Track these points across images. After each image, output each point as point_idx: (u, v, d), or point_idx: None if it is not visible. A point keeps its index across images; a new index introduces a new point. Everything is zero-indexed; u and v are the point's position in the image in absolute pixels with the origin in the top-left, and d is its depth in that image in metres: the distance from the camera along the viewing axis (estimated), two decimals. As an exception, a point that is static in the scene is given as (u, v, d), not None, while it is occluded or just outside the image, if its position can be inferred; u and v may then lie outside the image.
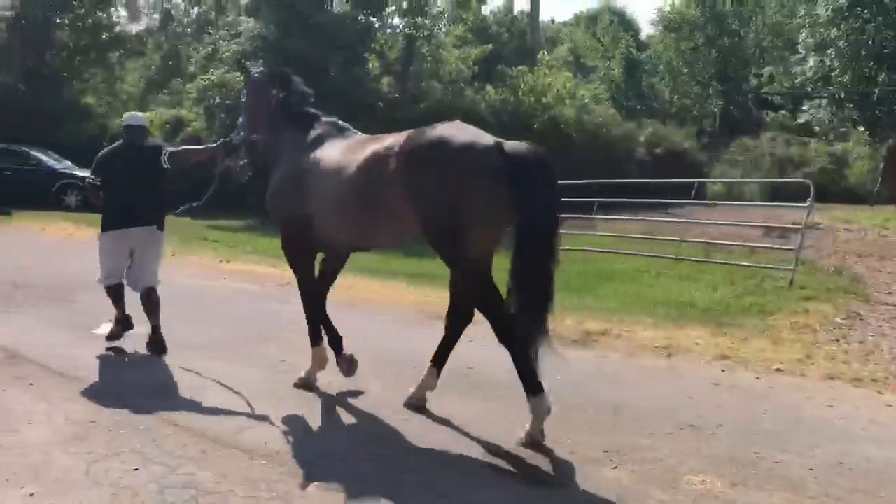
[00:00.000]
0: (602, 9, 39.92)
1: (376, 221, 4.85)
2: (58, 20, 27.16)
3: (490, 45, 25.11)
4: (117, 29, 28.79)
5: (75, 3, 26.83)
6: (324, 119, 5.60)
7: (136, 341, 6.61)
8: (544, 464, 4.26)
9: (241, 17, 20.07)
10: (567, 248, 13.42)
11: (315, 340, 5.60)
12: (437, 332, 7.21)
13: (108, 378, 5.59)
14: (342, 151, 5.08)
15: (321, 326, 5.66)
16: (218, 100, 18.54)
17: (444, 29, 23.08)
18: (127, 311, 6.67)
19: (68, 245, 12.59)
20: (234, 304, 8.36)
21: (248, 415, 4.91)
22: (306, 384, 5.51)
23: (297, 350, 6.48)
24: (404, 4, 21.15)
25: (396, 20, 22.20)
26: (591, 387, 5.68)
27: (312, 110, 5.70)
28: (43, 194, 18.59)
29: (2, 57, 27.38)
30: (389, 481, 3.95)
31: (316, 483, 3.91)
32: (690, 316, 8.34)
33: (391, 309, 8.41)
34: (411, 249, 13.25)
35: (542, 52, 25.21)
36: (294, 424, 4.76)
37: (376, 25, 21.40)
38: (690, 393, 5.59)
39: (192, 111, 21.71)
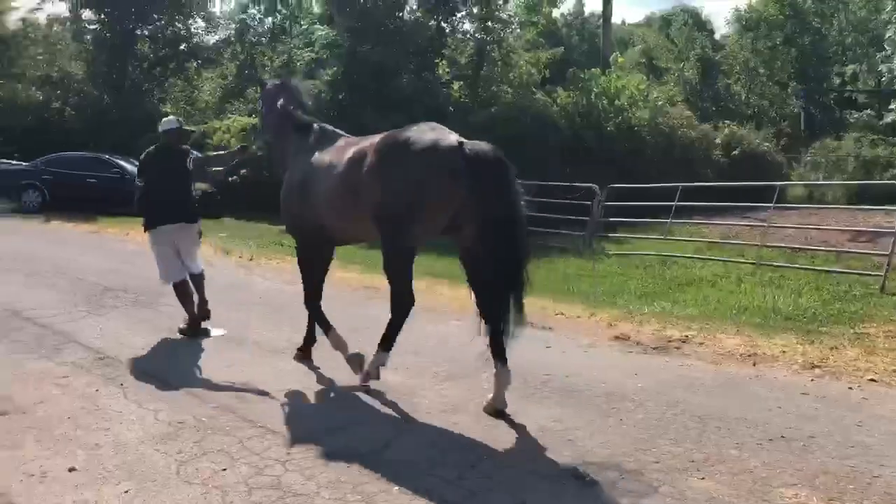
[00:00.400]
0: (676, 9, 39.18)
1: (364, 214, 5.26)
2: (139, 32, 28.13)
3: (561, 49, 24.99)
4: (195, 40, 29.66)
5: (155, 16, 27.74)
6: (318, 126, 6.16)
7: (215, 342, 6.76)
8: (628, 472, 4.16)
9: (315, 26, 20.44)
10: (643, 252, 13.21)
11: (326, 330, 6.05)
12: (516, 338, 7.21)
13: (193, 380, 5.71)
14: (334, 153, 5.63)
15: (321, 314, 6.15)
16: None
17: (514, 33, 22.99)
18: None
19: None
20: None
21: (331, 417, 4.95)
22: (355, 364, 5.72)
23: (372, 353, 6.53)
24: (475, 9, 21.19)
25: (467, 25, 22.26)
26: (675, 395, 5.53)
27: (308, 118, 6.30)
28: (125, 201, 19.22)
29: (87, 69, 28.55)
30: (471, 488, 3.92)
31: (399, 487, 3.91)
32: (775, 323, 8.08)
33: (467, 315, 8.36)
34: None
35: (614, 53, 24.87)
36: (376, 428, 4.78)
37: (447, 31, 21.49)
38: (779, 402, 5.39)
39: (267, 119, 22.18)
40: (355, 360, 5.72)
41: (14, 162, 22.85)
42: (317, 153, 5.78)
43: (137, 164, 7.25)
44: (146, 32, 28.27)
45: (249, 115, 25.08)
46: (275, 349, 6.67)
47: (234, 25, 33.72)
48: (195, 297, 7.24)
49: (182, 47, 28.95)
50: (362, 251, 13.26)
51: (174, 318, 7.74)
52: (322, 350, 6.56)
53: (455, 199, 4.84)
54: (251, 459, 4.23)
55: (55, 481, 3.94)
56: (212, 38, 31.37)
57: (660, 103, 23.28)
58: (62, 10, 28.46)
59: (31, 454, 4.27)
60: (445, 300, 9.08)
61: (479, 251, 4.95)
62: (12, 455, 4.26)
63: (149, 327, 7.39)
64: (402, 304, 5.36)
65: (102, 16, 27.31)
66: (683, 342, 7.07)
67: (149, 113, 27.23)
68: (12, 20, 31.05)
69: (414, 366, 6.21)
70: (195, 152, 7.26)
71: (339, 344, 5.93)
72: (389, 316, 5.34)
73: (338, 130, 6.10)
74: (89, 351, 6.43)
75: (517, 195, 4.91)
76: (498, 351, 5.09)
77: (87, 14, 27.70)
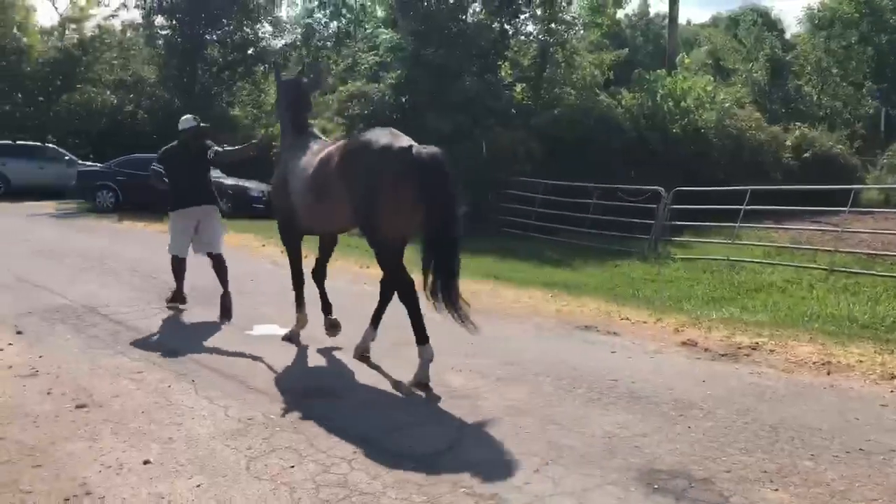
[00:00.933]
0: (744, 9, 38.27)
1: (332, 209, 6.07)
2: (208, 37, 28.83)
3: (625, 50, 24.66)
4: (262, 44, 30.24)
5: (224, 21, 28.39)
6: (309, 130, 6.98)
7: (280, 342, 6.87)
8: (697, 481, 4.08)
9: (380, 29, 20.61)
10: (710, 257, 12.94)
11: (298, 307, 7.03)
12: (581, 342, 7.15)
13: (261, 377, 5.82)
14: (309, 155, 6.39)
15: (303, 294, 7.09)
16: (357, 110, 19.10)
17: (578, 34, 22.80)
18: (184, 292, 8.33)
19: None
20: (374, 308, 8.51)
21: (394, 417, 4.98)
22: (290, 339, 6.92)
23: (438, 355, 6.53)
24: (539, 11, 21.09)
25: (531, 27, 22.17)
26: (745, 403, 5.40)
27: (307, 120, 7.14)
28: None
29: (159, 73, 29.41)
30: (537, 493, 3.89)
31: (464, 489, 3.91)
32: (850, 331, 7.81)
33: (530, 317, 8.33)
34: (546, 258, 13.19)
35: (680, 54, 24.44)
36: (440, 429, 4.79)
37: (510, 33, 21.44)
38: (856, 414, 5.21)
39: (333, 122, 22.49)
40: (293, 336, 6.92)
41: (89, 163, 23.70)
42: (298, 154, 6.54)
43: (159, 153, 8.47)
44: (215, 37, 28.92)
45: (314, 119, 25.51)
46: (338, 347, 6.74)
47: (299, 30, 34.32)
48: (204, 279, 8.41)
49: (250, 51, 29.53)
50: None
51: (244, 315, 7.92)
52: (383, 349, 6.62)
53: (406, 193, 5.50)
54: (318, 457, 4.29)
55: (131, 473, 4.06)
56: (278, 43, 31.97)
57: (727, 105, 22.77)
58: (136, 16, 29.39)
59: (108, 446, 4.41)
60: (507, 303, 9.05)
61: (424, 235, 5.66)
62: (91, 446, 4.40)
63: (218, 325, 7.55)
64: (400, 289, 5.91)
65: (174, 22, 28.09)
66: (753, 349, 6.90)
67: (217, 116, 27.86)
68: (89, 27, 32.26)
69: (476, 368, 6.21)
70: (215, 146, 8.15)
71: (301, 323, 7.01)
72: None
73: (319, 135, 7.01)
74: (162, 347, 6.60)
75: (454, 189, 5.65)
76: (420, 331, 5.77)
77: (159, 20, 28.53)
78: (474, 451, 4.43)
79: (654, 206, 14.34)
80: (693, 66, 27.52)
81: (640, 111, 20.09)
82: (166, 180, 8.18)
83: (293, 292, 7.09)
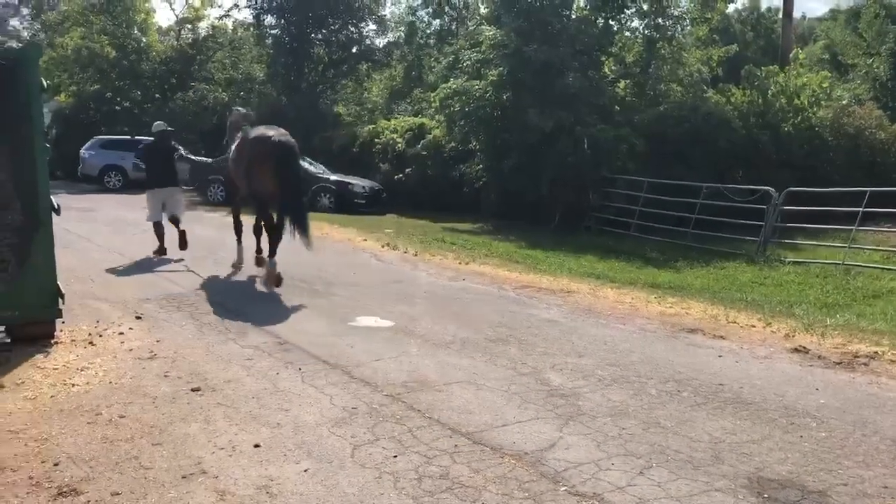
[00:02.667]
0: (867, 1, 36.29)
1: (243, 177, 9.49)
2: (314, 36, 29.58)
3: (734, 46, 23.78)
4: (366, 42, 30.81)
5: (330, 21, 29.06)
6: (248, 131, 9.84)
7: (384, 334, 6.99)
8: (811, 493, 3.91)
9: (482, 27, 20.56)
10: (824, 261, 12.38)
11: (237, 242, 10.58)
12: (686, 345, 6.98)
13: (365, 367, 5.93)
14: (234, 147, 9.93)
15: (241, 237, 10.54)
16: (458, 107, 19.17)
17: (685, 30, 22.13)
18: (165, 246, 11.19)
19: (324, 244, 13.61)
20: (475, 305, 8.58)
21: (495, 413, 4.99)
22: (235, 267, 10.22)
23: (539, 353, 6.53)
24: (644, 6, 20.60)
25: (636, 22, 21.69)
26: (863, 414, 5.14)
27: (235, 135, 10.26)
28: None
29: (267, 71, 30.40)
30: (641, 495, 3.83)
31: (566, 488, 3.89)
32: (981, 343, 7.30)
33: (633, 319, 8.18)
34: (649, 258, 12.91)
35: (795, 49, 23.39)
36: (542, 427, 4.76)
37: (615, 28, 21.03)
38: None
39: (434, 119, 22.67)
40: (236, 266, 10.21)
41: (201, 158, 24.73)
42: (232, 148, 10.02)
43: (141, 151, 13.05)
44: (321, 36, 29.65)
45: (415, 115, 25.80)
46: (440, 342, 6.80)
47: (402, 28, 34.76)
48: (175, 236, 11.48)
49: (354, 50, 30.14)
50: (523, 251, 13.29)
51: (346, 307, 8.12)
52: (484, 345, 6.65)
53: (268, 165, 8.87)
54: (420, 449, 4.34)
55: (242, 455, 4.22)
56: (382, 41, 32.50)
57: (844, 102, 21.66)
58: (247, 16, 30.47)
59: (221, 428, 4.60)
60: (610, 303, 8.91)
61: (278, 196, 9.00)
62: (205, 428, 4.60)
63: (323, 315, 7.75)
64: (266, 226, 9.40)
65: (283, 21, 28.95)
66: (871, 358, 6.55)
67: (322, 113, 28.62)
68: (203, 27, 33.68)
69: (578, 367, 6.14)
70: (180, 148, 12.42)
71: (239, 257, 10.41)
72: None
73: (248, 133, 9.74)
74: (270, 336, 6.83)
75: (297, 164, 9.51)
76: (273, 252, 9.14)
77: (268, 20, 29.47)
78: (576, 451, 4.39)
79: (764, 206, 13.81)
80: (808, 62, 26.28)
81: (750, 109, 19.31)
82: (143, 167, 12.30)
83: (234, 237, 10.65)
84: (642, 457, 4.32)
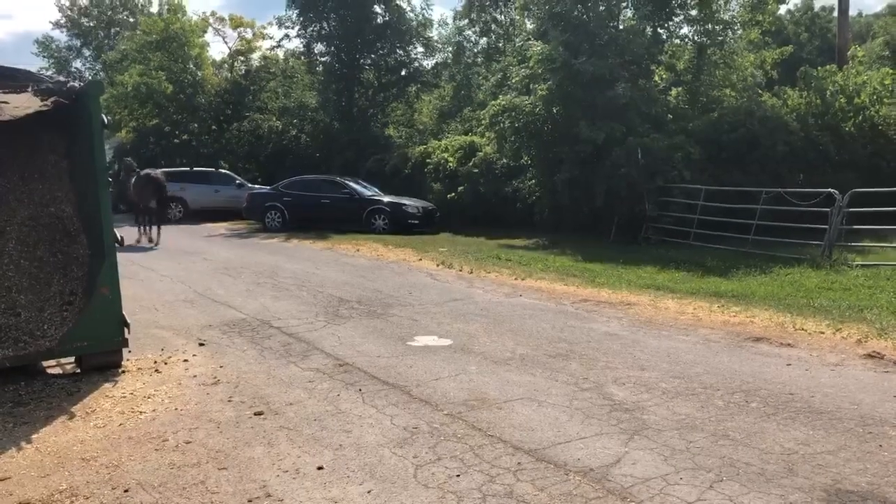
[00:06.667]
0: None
1: (135, 196, 18.18)
2: (363, 62, 30.01)
3: (790, 47, 23.29)
4: (415, 65, 31.09)
5: (378, 45, 29.44)
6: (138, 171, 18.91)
7: (443, 352, 6.96)
8: (891, 501, 3.74)
9: (530, 42, 20.54)
10: (895, 264, 11.95)
11: (138, 230, 17.90)
12: (752, 354, 6.80)
13: (424, 387, 5.92)
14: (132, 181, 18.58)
15: (140, 229, 18.10)
16: (508, 123, 19.15)
17: (737, 34, 21.75)
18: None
19: (380, 264, 13.73)
20: (532, 320, 8.50)
21: (558, 429, 4.91)
22: (139, 240, 17.18)
23: (600, 368, 6.43)
24: (693, 12, 20.33)
25: (685, 29, 21.39)
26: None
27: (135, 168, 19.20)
28: (355, 219, 20.54)
29: (319, 98, 30.93)
30: (703, 500, 3.72)
31: (635, 502, 3.80)
32: None
33: (696, 329, 8.01)
34: (709, 267, 12.64)
35: (852, 47, 22.73)
36: (606, 442, 4.67)
37: (664, 36, 20.79)
38: None
39: (484, 136, 22.69)
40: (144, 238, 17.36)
41: (258, 186, 25.24)
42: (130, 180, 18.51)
43: (117, 180, 18.26)
44: (370, 61, 30.05)
45: (465, 134, 25.86)
46: (499, 359, 6.75)
47: (450, 48, 34.96)
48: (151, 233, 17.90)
49: (403, 73, 30.45)
50: (580, 264, 13.15)
51: (404, 327, 8.14)
52: (543, 360, 6.58)
53: (146, 189, 17.73)
54: (483, 467, 4.30)
55: (306, 478, 4.23)
56: (430, 62, 32.74)
57: (908, 99, 20.95)
58: (297, 45, 31.03)
59: (284, 451, 4.63)
60: (672, 314, 8.74)
61: (147, 207, 17.91)
62: (269, 451, 4.64)
63: (381, 336, 7.78)
64: (149, 217, 17.97)
65: (332, 48, 29.45)
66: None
67: (374, 136, 28.93)
68: (255, 58, 34.48)
69: (641, 381, 6.02)
70: (135, 175, 18.41)
71: (139, 237, 17.44)
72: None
73: (136, 171, 18.84)
74: (330, 358, 6.88)
75: (163, 187, 18.21)
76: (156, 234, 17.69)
77: (318, 47, 29.98)
78: (643, 466, 4.29)
79: (828, 209, 13.40)
80: (867, 60, 25.56)
81: (808, 110, 18.82)
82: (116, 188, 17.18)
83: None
84: (712, 470, 4.20)
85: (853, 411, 5.17)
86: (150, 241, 17.44)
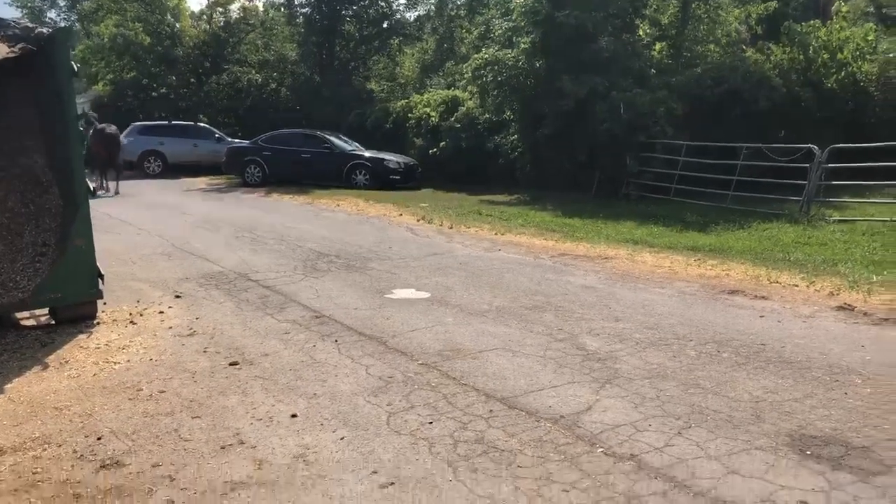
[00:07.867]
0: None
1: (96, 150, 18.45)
2: (344, 13, 29.50)
3: (774, 2, 23.07)
4: (397, 17, 30.62)
5: (360, -4, 28.97)
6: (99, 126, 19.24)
7: (420, 304, 6.98)
8: (855, 448, 3.81)
9: (513, -6, 20.27)
10: (870, 218, 12.07)
11: (97, 178, 18.89)
12: (726, 307, 6.86)
13: (400, 338, 5.94)
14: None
15: (98, 178, 19.08)
16: (490, 77, 18.96)
17: (722, -12, 21.56)
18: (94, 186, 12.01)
19: (360, 219, 13.69)
20: (510, 274, 8.53)
21: (530, 378, 4.96)
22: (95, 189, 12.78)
23: (575, 319, 6.48)
24: (679, -35, 20.10)
25: (671, -17, 21.17)
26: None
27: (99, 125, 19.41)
28: (336, 174, 20.39)
29: (299, 51, 30.45)
30: (679, 455, 3.77)
31: (602, 449, 3.85)
32: None
33: (672, 282, 8.07)
34: (689, 222, 12.70)
35: (837, 3, 22.62)
36: (578, 391, 4.73)
37: (648, -10, 20.59)
38: None
39: (467, 91, 22.48)
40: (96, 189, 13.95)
41: (237, 140, 24.95)
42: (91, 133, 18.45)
43: (90, 136, 17.89)
44: (351, 13, 29.56)
45: (448, 88, 25.59)
46: (476, 311, 6.79)
47: (433, 0, 34.43)
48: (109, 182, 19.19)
49: (384, 25, 29.99)
50: (560, 220, 13.17)
51: (383, 280, 8.14)
52: (519, 312, 6.61)
53: (101, 143, 18.40)
54: (455, 414, 4.34)
55: (280, 425, 4.26)
56: (412, 14, 32.27)
57: (891, 55, 20.92)
58: (277, -4, 30.46)
59: (259, 400, 4.65)
60: (648, 268, 8.80)
61: (105, 158, 18.83)
62: (243, 400, 4.66)
63: (359, 289, 7.78)
64: (108, 171, 19.47)
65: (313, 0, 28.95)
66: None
67: (355, 90, 28.58)
68: (234, 9, 33.81)
69: (615, 332, 6.08)
70: (94, 128, 18.71)
71: (97, 184, 17.29)
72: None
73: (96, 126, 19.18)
74: (307, 310, 6.89)
75: (116, 142, 19.14)
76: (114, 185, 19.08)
77: (298, -1, 29.47)
78: (613, 413, 4.34)
79: (807, 165, 13.45)
80: (852, 16, 25.40)
81: (791, 66, 18.77)
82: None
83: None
84: (681, 418, 4.26)
85: (822, 360, 5.25)
86: (107, 189, 19.09)
